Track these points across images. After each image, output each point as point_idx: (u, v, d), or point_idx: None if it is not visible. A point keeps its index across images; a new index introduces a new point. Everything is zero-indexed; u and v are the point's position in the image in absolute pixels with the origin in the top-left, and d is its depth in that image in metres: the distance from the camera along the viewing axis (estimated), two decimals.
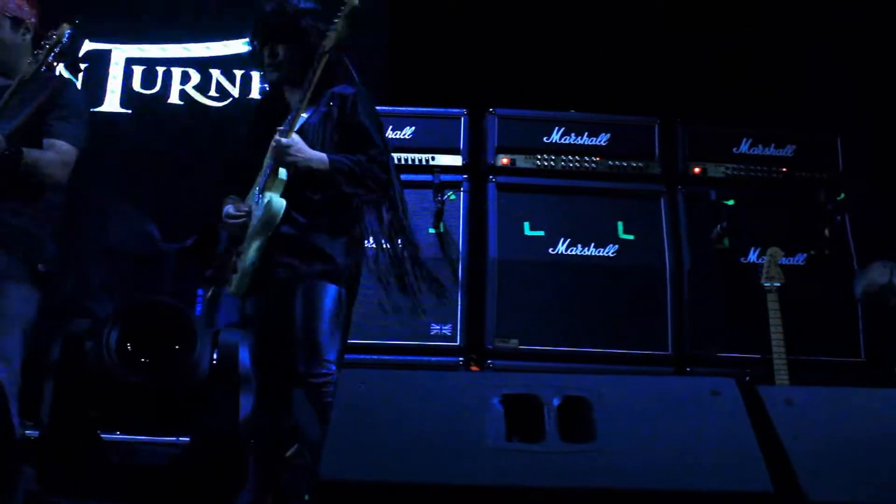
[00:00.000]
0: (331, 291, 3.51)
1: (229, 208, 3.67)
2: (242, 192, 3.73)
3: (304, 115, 3.58)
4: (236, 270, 3.57)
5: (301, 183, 3.52)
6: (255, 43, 3.73)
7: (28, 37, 3.85)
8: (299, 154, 3.47)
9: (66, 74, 6.85)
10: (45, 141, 3.63)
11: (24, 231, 3.66)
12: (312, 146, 3.54)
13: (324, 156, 3.51)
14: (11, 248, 3.62)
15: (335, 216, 3.58)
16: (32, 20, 3.89)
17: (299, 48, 3.62)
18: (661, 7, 6.26)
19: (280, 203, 3.46)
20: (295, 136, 3.49)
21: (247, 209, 3.60)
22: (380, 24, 6.78)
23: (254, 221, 3.51)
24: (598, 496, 2.16)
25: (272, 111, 3.73)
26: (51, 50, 3.55)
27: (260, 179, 3.59)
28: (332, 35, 3.51)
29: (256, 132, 3.75)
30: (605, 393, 2.41)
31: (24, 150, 3.54)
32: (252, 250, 3.50)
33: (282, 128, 3.50)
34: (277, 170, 3.49)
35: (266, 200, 3.45)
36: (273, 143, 3.48)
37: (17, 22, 3.81)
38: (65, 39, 3.58)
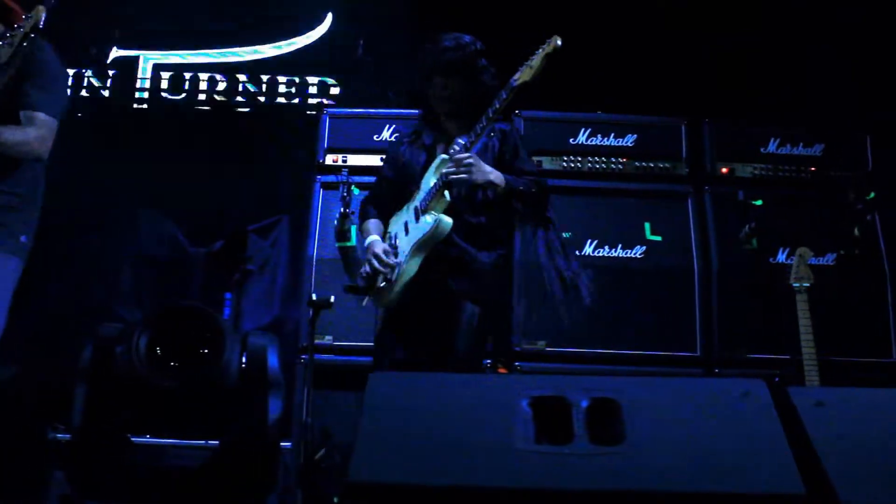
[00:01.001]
0: (472, 310, 3.67)
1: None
2: (384, 213, 3.98)
3: (462, 142, 3.70)
4: (390, 282, 3.74)
5: (463, 206, 3.70)
6: (424, 75, 3.87)
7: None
8: (479, 167, 3.60)
9: (95, 82, 6.92)
10: (23, 114, 3.54)
11: (10, 207, 3.66)
12: None
13: (500, 173, 3.67)
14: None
15: (493, 240, 3.78)
16: None
17: (473, 83, 3.78)
18: (686, 8, 6.24)
19: (448, 223, 3.62)
20: (474, 153, 3.63)
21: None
22: (404, 27, 6.80)
23: (418, 237, 3.66)
24: (627, 498, 2.15)
25: (423, 138, 3.94)
26: (27, 34, 3.38)
27: (419, 197, 3.75)
28: (527, 70, 3.58)
29: (406, 157, 3.96)
30: (634, 395, 2.40)
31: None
32: (412, 265, 3.68)
33: (458, 146, 3.65)
34: (443, 190, 3.64)
35: (435, 219, 3.62)
36: (450, 158, 3.62)
37: None
38: (41, 24, 3.40)
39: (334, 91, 6.94)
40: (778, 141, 5.18)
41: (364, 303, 3.95)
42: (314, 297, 4.08)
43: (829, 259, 4.93)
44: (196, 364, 3.97)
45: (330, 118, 5.29)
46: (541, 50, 3.58)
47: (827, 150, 5.18)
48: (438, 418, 2.37)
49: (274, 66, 7.06)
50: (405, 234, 3.78)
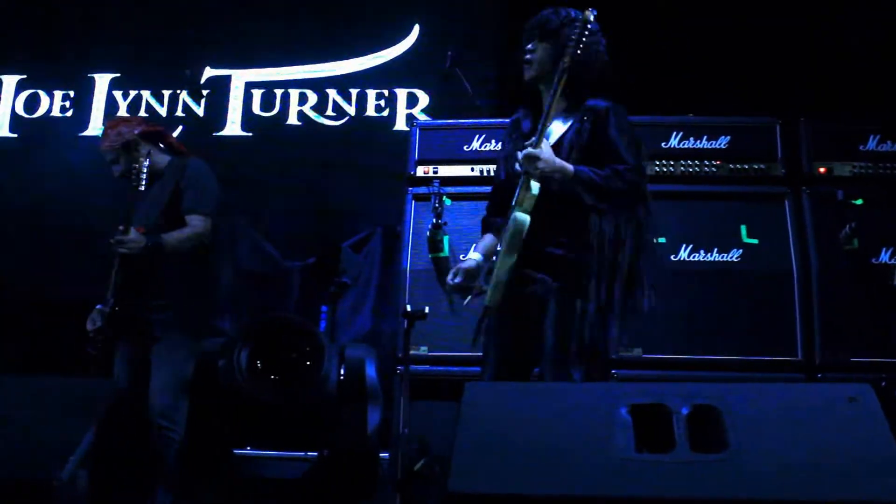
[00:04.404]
0: (578, 306, 3.44)
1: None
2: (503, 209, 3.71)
3: (562, 129, 3.58)
4: (486, 284, 3.58)
5: (555, 198, 3.45)
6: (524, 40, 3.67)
7: (143, 149, 4.42)
8: (546, 164, 3.40)
9: (190, 102, 7.09)
10: (186, 217, 4.34)
11: (185, 315, 4.34)
12: (568, 160, 3.47)
13: (569, 166, 3.43)
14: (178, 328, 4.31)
15: (583, 232, 3.48)
16: (137, 131, 4.48)
17: (552, 50, 3.56)
18: (775, 4, 6.15)
19: (522, 219, 3.42)
20: (544, 146, 3.43)
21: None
22: (494, 35, 6.82)
23: (504, 237, 3.49)
24: None
25: (521, 126, 3.76)
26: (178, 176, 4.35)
27: (517, 193, 3.53)
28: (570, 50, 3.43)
29: (508, 151, 3.79)
30: (735, 401, 2.37)
31: (163, 237, 4.22)
32: (505, 265, 3.47)
33: (534, 138, 3.46)
34: (528, 183, 3.45)
35: (512, 216, 3.44)
36: (521, 154, 3.45)
37: (127, 146, 4.42)
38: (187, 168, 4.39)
39: (423, 102, 6.99)
40: (878, 138, 5.03)
41: (465, 303, 3.77)
42: (409, 308, 4.11)
43: None
44: (296, 376, 4.03)
45: (420, 130, 5.32)
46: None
47: None
48: (536, 427, 2.37)
49: (363, 79, 7.14)
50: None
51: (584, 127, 3.54)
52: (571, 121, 3.55)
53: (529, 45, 3.62)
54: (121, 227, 4.14)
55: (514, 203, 3.47)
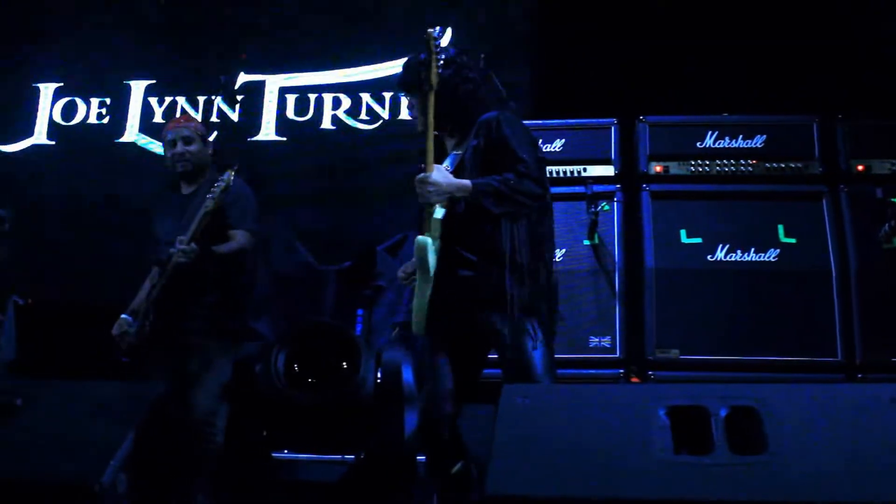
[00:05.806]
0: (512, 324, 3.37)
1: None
2: None
3: (458, 152, 3.59)
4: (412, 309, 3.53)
5: (462, 219, 3.46)
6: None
7: (210, 150, 4.73)
8: (437, 186, 3.40)
9: (225, 108, 7.15)
10: (230, 232, 4.48)
11: (222, 321, 4.39)
12: (472, 178, 3.45)
13: (466, 182, 3.41)
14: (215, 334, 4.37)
15: (495, 246, 3.44)
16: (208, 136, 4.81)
17: (424, 98, 3.57)
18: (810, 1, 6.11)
19: (421, 241, 3.40)
20: (435, 170, 3.42)
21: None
22: (526, 38, 6.81)
23: (416, 262, 3.46)
24: None
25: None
26: (223, 192, 4.27)
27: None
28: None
29: None
30: (775, 402, 2.35)
31: (215, 249, 4.33)
32: (418, 293, 3.45)
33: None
34: (430, 210, 3.44)
35: (415, 241, 3.42)
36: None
37: (204, 139, 4.70)
38: (231, 185, 4.31)
39: None
40: None
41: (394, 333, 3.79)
42: None
43: None
44: (333, 380, 4.05)
45: None
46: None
47: None
48: (574, 429, 2.37)
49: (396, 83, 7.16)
50: None
51: (480, 143, 3.51)
52: (467, 142, 3.56)
53: (408, 101, 3.74)
54: (181, 238, 4.22)
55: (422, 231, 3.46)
